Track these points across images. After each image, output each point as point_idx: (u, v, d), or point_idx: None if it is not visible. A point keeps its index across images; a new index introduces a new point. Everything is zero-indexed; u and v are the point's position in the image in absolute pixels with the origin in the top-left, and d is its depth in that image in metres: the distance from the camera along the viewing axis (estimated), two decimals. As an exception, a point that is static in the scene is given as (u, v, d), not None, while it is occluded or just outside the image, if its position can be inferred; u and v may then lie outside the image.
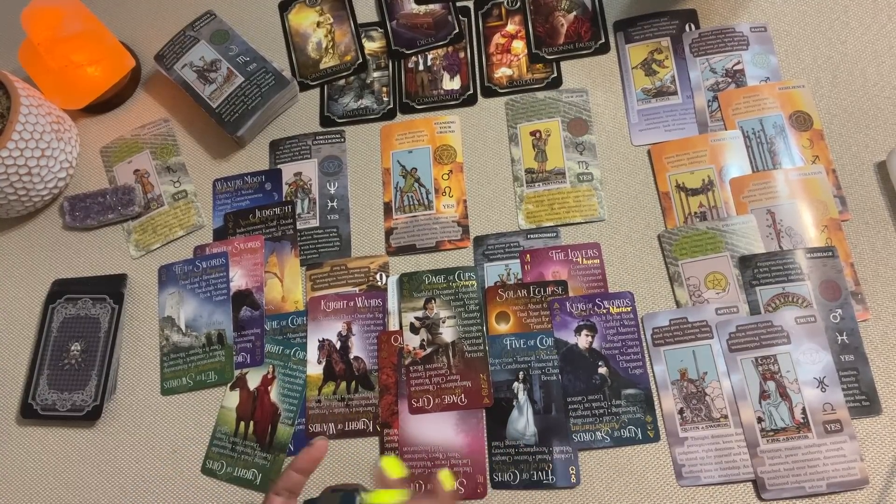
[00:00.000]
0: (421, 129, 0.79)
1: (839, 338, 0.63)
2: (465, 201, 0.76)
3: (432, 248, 0.74)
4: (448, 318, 0.70)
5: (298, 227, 0.77)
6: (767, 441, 0.61)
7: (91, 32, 0.82)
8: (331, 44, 0.85)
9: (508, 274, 0.72)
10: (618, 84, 0.78)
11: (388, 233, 0.76)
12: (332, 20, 0.86)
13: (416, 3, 0.85)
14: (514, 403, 0.66)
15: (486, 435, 0.66)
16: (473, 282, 0.71)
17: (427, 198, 0.76)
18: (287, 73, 0.81)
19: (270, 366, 0.71)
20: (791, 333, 0.63)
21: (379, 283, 0.73)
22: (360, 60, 0.84)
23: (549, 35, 0.81)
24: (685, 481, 0.62)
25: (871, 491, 0.59)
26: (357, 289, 0.74)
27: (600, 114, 0.77)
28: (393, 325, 0.71)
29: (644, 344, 0.67)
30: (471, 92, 0.80)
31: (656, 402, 0.64)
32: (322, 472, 0.67)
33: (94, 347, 0.74)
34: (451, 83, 0.81)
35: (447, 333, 0.69)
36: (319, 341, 0.71)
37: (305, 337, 0.72)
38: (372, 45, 0.85)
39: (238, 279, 0.75)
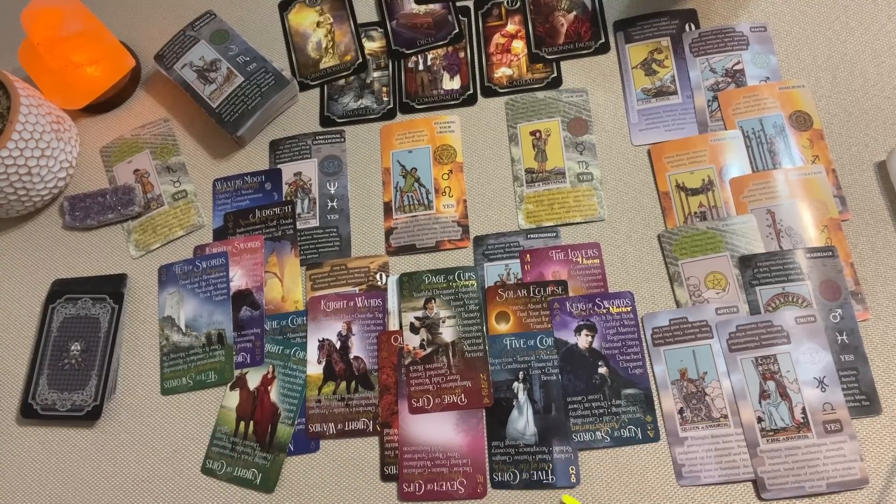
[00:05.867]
0: (421, 129, 0.79)
1: (839, 338, 0.63)
2: (465, 201, 0.76)
3: (432, 248, 0.74)
4: (448, 317, 0.70)
5: (298, 226, 0.77)
6: (767, 441, 0.61)
7: (91, 32, 0.82)
8: (331, 44, 0.85)
9: (508, 274, 0.71)
10: (618, 84, 0.78)
11: (388, 233, 0.76)
12: (332, 20, 0.86)
13: (416, 2, 0.85)
14: (514, 403, 0.66)
15: (486, 435, 0.66)
16: (473, 282, 0.71)
17: (427, 198, 0.76)
18: (287, 73, 0.81)
19: (270, 366, 0.71)
20: (791, 333, 0.63)
21: (379, 283, 0.73)
22: (360, 60, 0.84)
23: (549, 35, 0.81)
24: (685, 481, 0.62)
25: (871, 491, 0.59)
26: (357, 289, 0.74)
27: (600, 114, 0.77)
28: (393, 325, 0.71)
29: (644, 344, 0.67)
30: (471, 92, 0.80)
31: (656, 402, 0.64)
32: (323, 471, 0.67)
33: (94, 347, 0.74)
34: (451, 83, 0.81)
35: (447, 333, 0.69)
36: (319, 341, 0.71)
37: (305, 337, 0.72)
38: (372, 45, 0.85)
39: (238, 279, 0.75)
